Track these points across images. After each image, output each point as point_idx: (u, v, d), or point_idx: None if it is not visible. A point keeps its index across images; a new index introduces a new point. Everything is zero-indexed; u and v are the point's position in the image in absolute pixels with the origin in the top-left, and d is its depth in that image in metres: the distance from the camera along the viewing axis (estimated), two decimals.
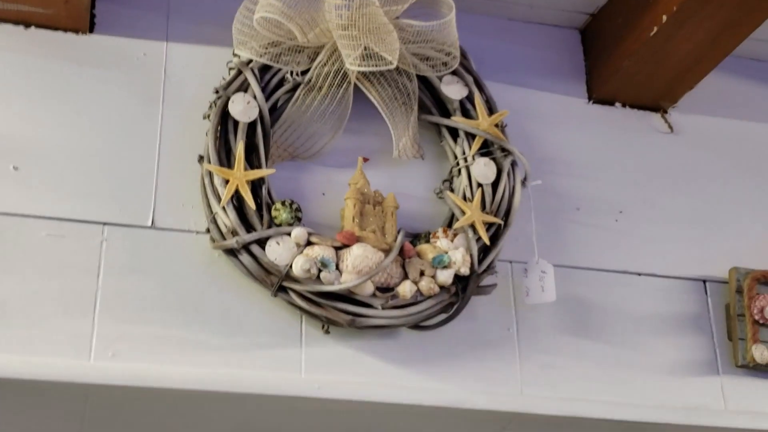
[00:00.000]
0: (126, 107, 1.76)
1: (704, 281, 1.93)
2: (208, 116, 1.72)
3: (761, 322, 1.85)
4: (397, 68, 1.77)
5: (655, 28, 1.85)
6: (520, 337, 1.78)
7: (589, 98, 2.06)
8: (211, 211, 1.67)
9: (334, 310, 1.63)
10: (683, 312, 1.89)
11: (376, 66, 1.69)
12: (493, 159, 1.82)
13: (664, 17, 1.83)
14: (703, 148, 2.07)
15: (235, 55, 1.77)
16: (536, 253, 1.80)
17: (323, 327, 1.67)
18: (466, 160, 1.82)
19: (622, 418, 1.75)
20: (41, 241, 1.63)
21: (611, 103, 2.06)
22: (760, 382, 1.85)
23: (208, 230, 1.68)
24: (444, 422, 1.76)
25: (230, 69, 1.77)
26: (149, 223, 1.68)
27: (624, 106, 2.07)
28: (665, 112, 2.08)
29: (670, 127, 2.07)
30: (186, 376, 1.60)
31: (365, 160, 1.78)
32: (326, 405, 1.66)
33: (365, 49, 1.69)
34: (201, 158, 1.70)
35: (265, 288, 1.65)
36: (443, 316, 1.72)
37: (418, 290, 1.67)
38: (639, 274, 1.90)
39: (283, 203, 1.67)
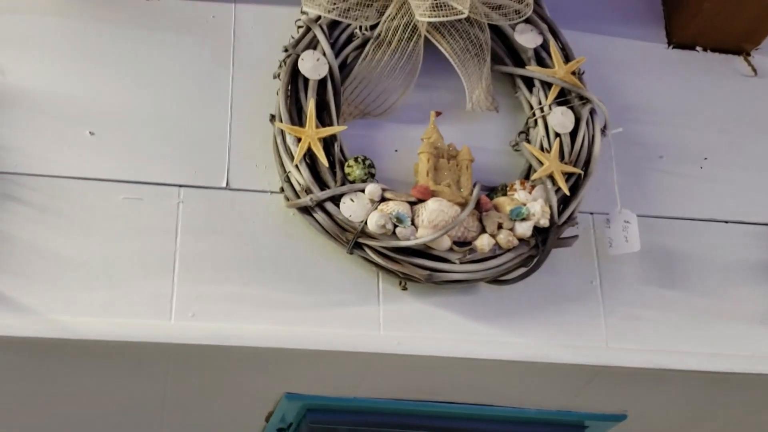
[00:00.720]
0: (197, 70, 1.72)
1: None
2: (278, 75, 1.68)
3: None
4: (468, 19, 1.69)
5: None
6: (603, 290, 1.71)
7: (669, 43, 1.95)
8: (285, 170, 1.62)
9: (410, 265, 1.58)
10: None
11: (447, 16, 1.61)
12: (571, 108, 1.73)
13: None
14: None
15: (303, 12, 1.71)
16: (618, 203, 1.72)
17: (400, 283, 1.62)
18: (542, 110, 1.73)
19: (712, 369, 1.67)
20: (119, 204, 1.60)
21: (692, 48, 1.96)
22: None
23: (281, 189, 1.64)
24: (527, 377, 1.70)
25: (299, 27, 1.72)
26: (224, 184, 1.65)
27: (705, 50, 1.96)
28: (748, 54, 1.96)
29: (754, 69, 1.95)
30: (265, 335, 1.57)
31: (438, 114, 1.71)
32: (406, 361, 1.61)
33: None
34: (272, 117, 1.66)
35: (341, 245, 1.61)
36: (523, 269, 1.65)
37: (497, 244, 1.61)
38: (726, 222, 1.81)
39: (356, 159, 1.61)
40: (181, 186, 1.64)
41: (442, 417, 1.84)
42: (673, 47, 1.96)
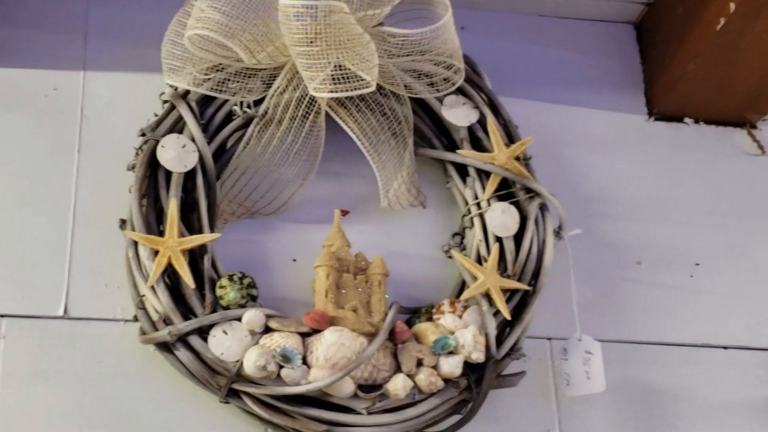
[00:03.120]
0: (31, 158, 1.73)
1: None
2: (134, 167, 1.67)
3: None
4: (381, 89, 1.71)
5: (722, 20, 1.76)
6: None
7: (650, 114, 2.00)
8: (139, 293, 1.61)
9: (304, 418, 1.56)
10: None
11: (349, 90, 1.62)
12: (516, 203, 1.75)
13: (732, 5, 1.74)
14: None
15: (170, 86, 1.71)
16: (578, 327, 1.72)
17: None
18: (479, 206, 1.74)
19: None
20: None
21: (679, 119, 2.00)
22: None
23: (135, 318, 1.63)
24: None
25: (164, 102, 1.73)
26: (61, 312, 1.64)
27: (696, 122, 2.01)
28: (753, 127, 2.00)
29: (761, 147, 2.00)
30: None
31: (344, 213, 1.72)
32: None
33: (335, 68, 1.63)
34: (123, 223, 1.65)
35: (213, 392, 1.59)
36: (457, 417, 1.64)
37: (416, 386, 1.59)
38: (725, 348, 1.83)
39: (230, 278, 1.60)
40: (2, 316, 1.63)
41: None
42: (656, 119, 2.00)
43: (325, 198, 1.78)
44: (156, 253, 1.60)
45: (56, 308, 1.65)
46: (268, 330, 1.59)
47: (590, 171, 1.92)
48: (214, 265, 1.63)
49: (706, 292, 1.86)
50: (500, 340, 1.66)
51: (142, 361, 1.63)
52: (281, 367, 1.55)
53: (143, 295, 1.60)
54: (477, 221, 1.74)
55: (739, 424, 1.78)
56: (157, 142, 1.66)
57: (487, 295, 1.67)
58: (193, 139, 1.67)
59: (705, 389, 1.79)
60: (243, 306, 1.60)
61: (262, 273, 1.69)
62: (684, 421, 1.76)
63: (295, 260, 1.74)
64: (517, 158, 1.77)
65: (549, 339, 1.77)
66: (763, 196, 1.97)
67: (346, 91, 1.63)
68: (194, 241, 1.61)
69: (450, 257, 1.77)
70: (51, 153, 1.75)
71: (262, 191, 1.75)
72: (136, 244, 1.61)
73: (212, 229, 1.66)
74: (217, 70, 1.71)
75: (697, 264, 1.88)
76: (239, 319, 1.58)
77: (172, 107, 1.70)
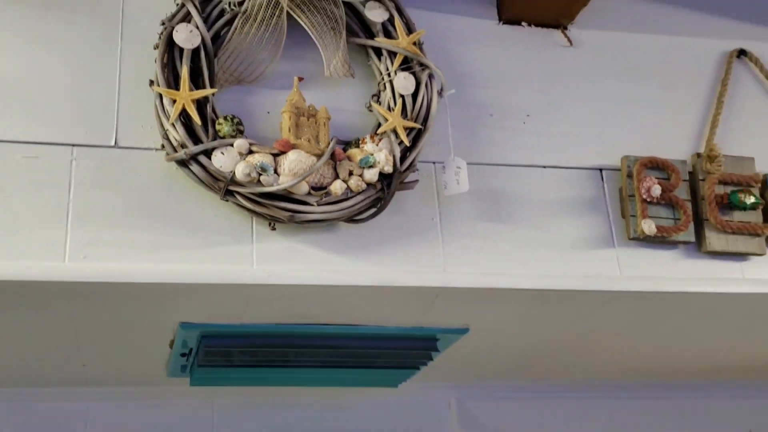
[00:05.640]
0: (89, 44, 1.62)
1: (600, 170, 1.80)
2: (157, 46, 1.58)
3: (648, 200, 1.74)
4: None
5: None
6: (442, 225, 1.68)
7: (500, 19, 1.91)
8: (164, 129, 1.54)
9: (275, 208, 1.53)
10: (583, 197, 1.77)
11: None
12: (413, 73, 1.69)
13: None
14: (599, 57, 1.92)
15: None
16: (452, 152, 1.69)
17: (270, 224, 1.57)
18: (389, 75, 1.68)
19: (532, 287, 1.67)
20: (18, 162, 1.51)
21: (518, 23, 1.92)
22: (648, 251, 1.74)
23: (162, 146, 1.56)
24: (380, 300, 1.67)
25: (177, 3, 1.62)
26: (113, 143, 1.57)
27: (530, 25, 1.92)
28: (565, 28, 1.94)
29: (570, 41, 1.93)
30: (151, 272, 1.50)
31: (300, 79, 1.65)
32: (277, 290, 1.57)
33: None
34: (152, 82, 1.57)
35: (216, 193, 1.53)
36: (374, 210, 1.61)
37: (348, 188, 1.56)
38: (544, 167, 1.79)
39: (225, 118, 1.54)
40: (74, 145, 1.55)
41: (316, 336, 1.80)
42: (503, 23, 1.92)
43: (289, 72, 1.69)
44: (174, 101, 1.51)
45: (110, 140, 1.57)
46: (251, 152, 1.54)
47: (461, 57, 1.83)
48: (214, 111, 1.56)
49: (533, 132, 1.79)
50: (403, 159, 1.63)
51: (167, 175, 1.57)
52: (260, 175, 1.50)
53: (167, 130, 1.54)
54: (388, 85, 1.69)
55: (550, 215, 1.74)
56: (173, 28, 1.57)
57: (395, 131, 1.63)
58: (197, 27, 1.58)
59: (531, 193, 1.72)
60: (234, 137, 1.54)
61: (247, 120, 1.62)
62: (517, 212, 1.71)
63: (269, 112, 1.67)
64: (415, 43, 1.71)
65: (434, 163, 1.73)
66: (571, 72, 1.88)
67: None
68: (200, 93, 1.54)
69: (371, 110, 1.72)
70: (102, 40, 1.64)
71: (245, 66, 1.66)
72: (161, 96, 1.53)
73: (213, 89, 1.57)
74: None
75: (528, 115, 1.81)
76: (232, 145, 1.53)
77: (183, 5, 1.60)
